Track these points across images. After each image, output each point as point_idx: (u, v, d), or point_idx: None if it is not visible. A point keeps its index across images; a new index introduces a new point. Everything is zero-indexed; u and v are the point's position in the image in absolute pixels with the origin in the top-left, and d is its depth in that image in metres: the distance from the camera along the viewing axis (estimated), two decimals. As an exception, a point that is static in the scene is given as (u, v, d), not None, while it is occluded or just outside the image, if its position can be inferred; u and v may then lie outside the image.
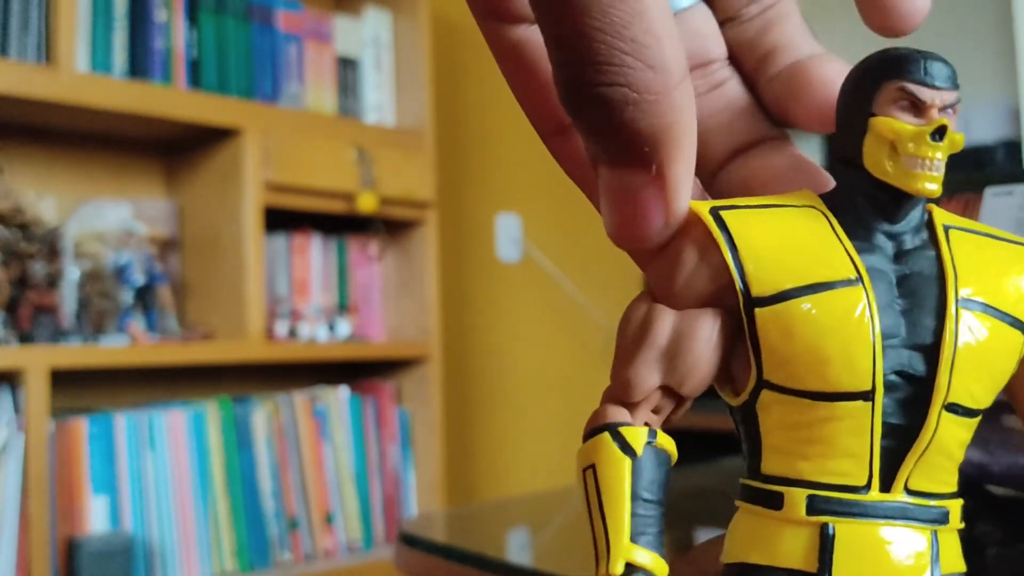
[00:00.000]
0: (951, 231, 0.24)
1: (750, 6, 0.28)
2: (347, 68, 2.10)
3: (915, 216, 0.24)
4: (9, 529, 1.50)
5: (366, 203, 1.96)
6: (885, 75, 0.23)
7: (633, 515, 0.22)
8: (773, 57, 0.27)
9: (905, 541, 0.22)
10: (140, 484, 1.68)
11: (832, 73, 0.26)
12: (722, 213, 0.23)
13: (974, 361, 0.22)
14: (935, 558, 0.22)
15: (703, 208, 0.23)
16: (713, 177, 0.28)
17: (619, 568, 0.22)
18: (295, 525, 1.87)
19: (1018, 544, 0.50)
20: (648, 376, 0.23)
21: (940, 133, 0.22)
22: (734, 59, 0.28)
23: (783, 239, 0.23)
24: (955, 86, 0.23)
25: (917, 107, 0.23)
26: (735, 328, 0.23)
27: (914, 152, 0.22)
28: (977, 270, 0.23)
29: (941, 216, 0.24)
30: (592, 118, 0.22)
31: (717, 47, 0.28)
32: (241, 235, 1.81)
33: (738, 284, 0.22)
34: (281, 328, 1.93)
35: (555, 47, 0.22)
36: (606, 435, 0.23)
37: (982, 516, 0.54)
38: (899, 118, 0.22)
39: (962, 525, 0.24)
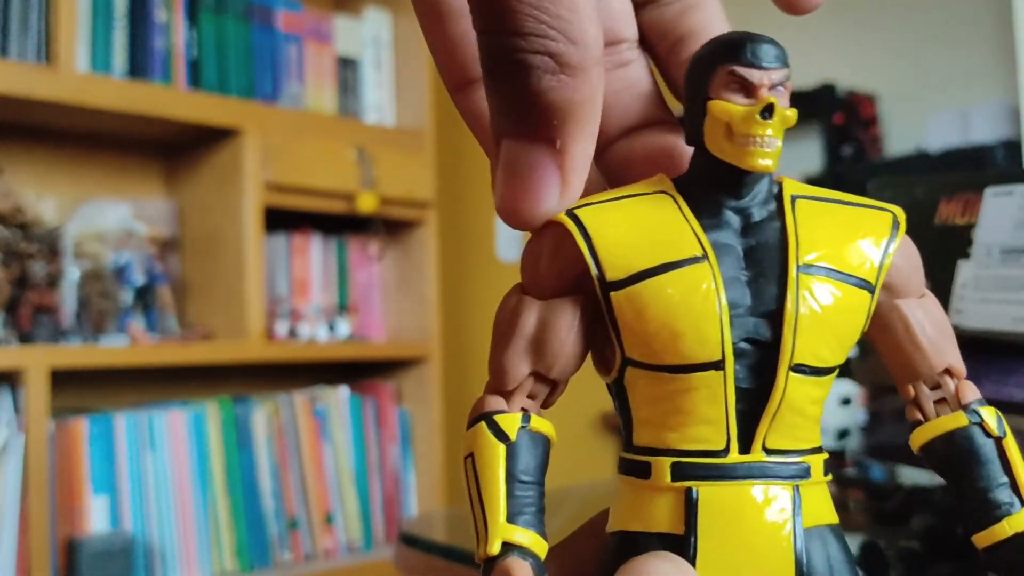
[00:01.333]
0: (798, 201, 0.25)
1: None
2: (347, 68, 2.10)
3: (761, 190, 0.25)
4: (9, 529, 1.50)
5: (366, 203, 1.96)
6: (717, 60, 0.24)
7: (509, 496, 0.23)
8: (687, 42, 0.28)
9: (766, 498, 0.23)
10: (140, 484, 1.68)
11: None
12: (576, 211, 0.24)
13: (817, 323, 0.23)
14: (796, 511, 0.23)
15: (559, 213, 0.24)
16: (601, 152, 0.28)
17: (496, 547, 0.22)
18: (295, 525, 1.86)
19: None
20: (519, 365, 0.24)
21: (769, 111, 0.23)
22: (646, 40, 0.29)
23: (633, 226, 0.24)
24: (783, 64, 0.24)
25: (747, 88, 0.24)
26: (598, 312, 0.24)
27: (746, 131, 0.23)
28: (821, 236, 0.24)
29: (791, 187, 0.25)
30: (508, 85, 0.22)
31: (629, 28, 0.28)
32: (241, 235, 1.81)
33: (593, 271, 0.24)
34: (281, 328, 1.93)
35: (480, 14, 0.22)
36: (482, 424, 0.24)
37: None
38: (731, 100, 0.24)
39: (828, 478, 0.25)
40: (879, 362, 0.27)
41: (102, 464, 1.65)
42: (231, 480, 1.79)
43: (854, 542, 0.62)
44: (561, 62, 0.22)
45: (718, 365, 0.23)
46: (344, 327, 2.03)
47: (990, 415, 0.25)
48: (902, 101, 2.22)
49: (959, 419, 0.25)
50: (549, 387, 0.25)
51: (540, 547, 0.23)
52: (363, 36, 2.12)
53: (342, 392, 2.02)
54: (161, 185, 1.98)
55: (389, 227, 2.12)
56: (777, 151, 0.24)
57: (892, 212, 0.25)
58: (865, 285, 0.24)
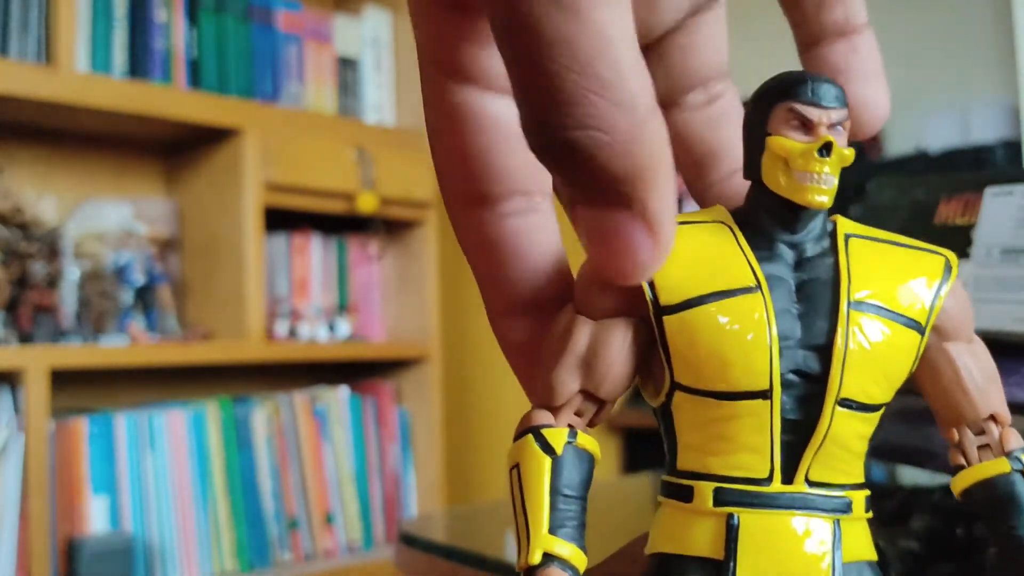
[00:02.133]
0: (851, 239, 0.25)
1: (696, 92, 0.28)
2: (347, 68, 2.10)
3: (815, 226, 0.25)
4: (9, 529, 1.50)
5: (366, 203, 1.96)
6: (777, 98, 0.25)
7: (552, 509, 0.23)
8: (713, 162, 0.28)
9: (806, 529, 0.24)
10: (140, 484, 1.68)
11: None
12: None
13: (866, 359, 0.24)
14: (836, 545, 0.24)
15: None
16: (708, 188, 0.29)
17: (537, 557, 0.23)
18: (295, 525, 1.87)
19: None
20: (568, 381, 0.25)
21: (827, 149, 0.24)
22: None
23: (690, 252, 0.24)
24: (842, 105, 0.24)
25: (806, 126, 0.24)
26: (650, 335, 0.25)
27: (804, 167, 0.24)
28: (873, 274, 0.25)
29: (844, 226, 0.26)
30: (564, 163, 0.22)
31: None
32: (241, 235, 1.81)
33: (648, 294, 0.24)
34: (281, 328, 1.93)
35: (521, 88, 0.21)
36: (529, 436, 0.24)
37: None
38: (790, 136, 0.24)
39: (869, 515, 0.25)
40: None
41: (102, 464, 1.65)
42: (231, 480, 1.79)
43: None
44: (608, 131, 0.21)
45: (766, 394, 0.24)
46: (344, 327, 2.03)
47: None
48: (902, 101, 2.23)
49: (1002, 465, 0.25)
50: (596, 406, 0.25)
51: (580, 560, 0.23)
52: (363, 36, 2.12)
53: (342, 392, 2.02)
54: (161, 185, 1.98)
55: (389, 227, 2.12)
56: (833, 189, 0.24)
57: (945, 256, 0.26)
58: (915, 326, 0.25)
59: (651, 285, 0.24)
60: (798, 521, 0.24)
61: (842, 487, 0.24)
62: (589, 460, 0.24)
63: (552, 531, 0.23)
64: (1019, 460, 0.25)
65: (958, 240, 0.54)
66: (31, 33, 1.62)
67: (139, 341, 1.71)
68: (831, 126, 0.24)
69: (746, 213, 0.26)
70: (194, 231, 1.93)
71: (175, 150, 1.95)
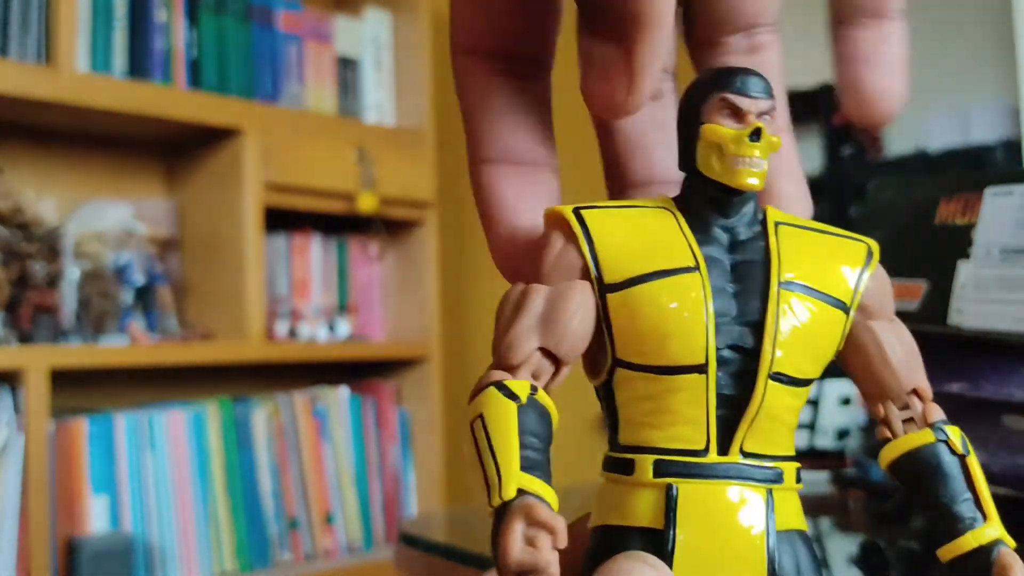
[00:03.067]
0: (781, 226, 0.27)
1: (739, 36, 0.29)
2: (347, 68, 2.10)
3: (748, 211, 0.27)
4: (9, 529, 1.50)
5: (366, 203, 1.96)
6: (710, 89, 0.26)
7: (523, 447, 0.24)
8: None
9: (741, 498, 0.25)
10: (140, 484, 1.68)
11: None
12: (583, 212, 0.26)
13: (796, 335, 0.25)
14: (769, 514, 0.25)
15: (567, 208, 0.27)
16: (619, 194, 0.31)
17: (512, 491, 0.23)
18: (295, 525, 1.87)
19: (1018, 544, 0.50)
20: (527, 339, 0.26)
21: (757, 134, 0.26)
22: None
23: (633, 234, 0.26)
24: (769, 96, 0.26)
25: (737, 115, 0.26)
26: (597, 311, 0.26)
27: (736, 152, 0.26)
28: (801, 258, 0.26)
29: (774, 214, 0.27)
30: None
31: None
32: (241, 235, 1.81)
33: (593, 272, 0.26)
34: (281, 328, 1.93)
35: None
36: (492, 388, 0.25)
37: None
38: (723, 124, 0.26)
39: (799, 486, 0.26)
40: None
41: (102, 464, 1.65)
42: (231, 480, 1.79)
43: (854, 542, 0.62)
44: None
45: (702, 369, 0.25)
46: (344, 327, 2.03)
47: (955, 434, 0.26)
48: (902, 101, 2.22)
49: (926, 436, 0.26)
50: (553, 368, 0.26)
51: (554, 499, 0.24)
52: (363, 36, 2.12)
53: (342, 392, 2.02)
54: (161, 185, 1.98)
55: (389, 227, 2.12)
56: (764, 172, 0.26)
57: (867, 244, 0.28)
58: (841, 305, 0.26)
59: (596, 264, 0.26)
60: (733, 491, 0.25)
61: (774, 458, 0.26)
62: (549, 418, 0.25)
63: (525, 470, 0.24)
64: (942, 431, 0.26)
65: (958, 240, 0.54)
66: (31, 33, 1.62)
67: (139, 341, 1.71)
68: (760, 115, 0.26)
69: (684, 200, 0.27)
70: (194, 231, 1.93)
71: (175, 150, 1.95)
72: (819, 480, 0.80)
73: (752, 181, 0.26)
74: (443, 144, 2.16)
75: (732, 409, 0.25)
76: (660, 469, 0.25)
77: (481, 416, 0.24)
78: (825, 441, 0.80)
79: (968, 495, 0.25)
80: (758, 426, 0.25)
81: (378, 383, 2.10)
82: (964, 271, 0.52)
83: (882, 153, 2.43)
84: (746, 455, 0.25)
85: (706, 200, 0.27)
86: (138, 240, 1.80)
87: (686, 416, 0.25)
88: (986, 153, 2.09)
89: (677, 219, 0.26)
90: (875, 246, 0.27)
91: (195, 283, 1.92)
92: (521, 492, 0.23)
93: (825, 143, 2.45)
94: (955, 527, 0.25)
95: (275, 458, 1.87)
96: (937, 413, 0.27)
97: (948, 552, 0.25)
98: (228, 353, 1.80)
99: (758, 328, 0.25)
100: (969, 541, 0.25)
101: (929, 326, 0.52)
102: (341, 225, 2.07)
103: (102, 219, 1.76)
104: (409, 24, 2.13)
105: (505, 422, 0.24)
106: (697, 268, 0.25)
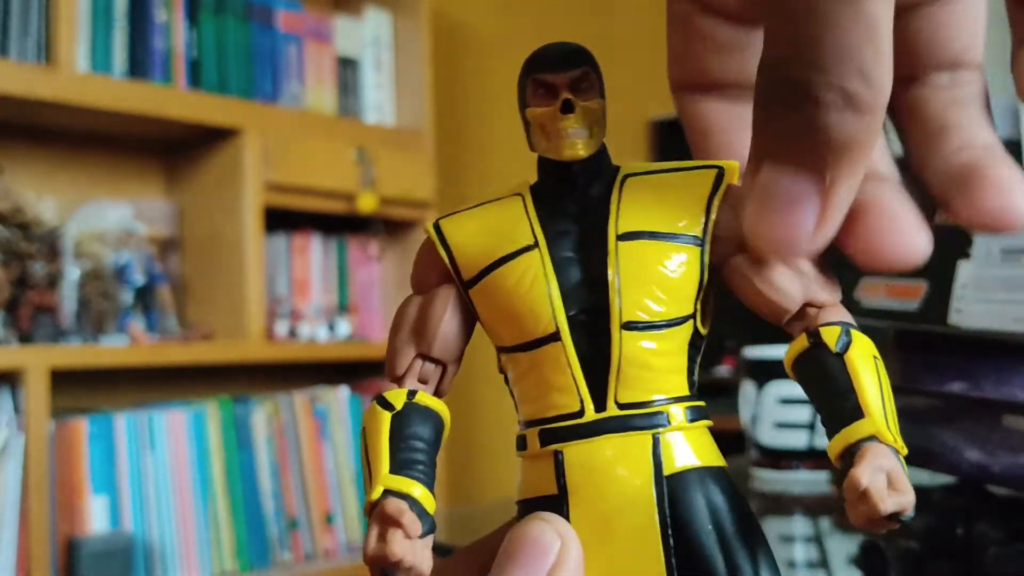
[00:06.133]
0: (628, 179, 0.27)
1: (942, 75, 0.28)
2: (347, 68, 2.10)
3: (595, 177, 0.28)
4: (9, 529, 1.50)
5: (366, 203, 1.96)
6: (525, 74, 0.27)
7: (394, 451, 0.26)
8: (947, 135, 0.28)
9: (622, 449, 0.25)
10: (140, 484, 1.68)
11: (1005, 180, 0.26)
12: (440, 221, 0.28)
13: (638, 282, 0.26)
14: (655, 458, 0.25)
15: (428, 223, 0.29)
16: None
17: (377, 493, 0.25)
18: (295, 525, 1.87)
19: (1018, 544, 0.50)
20: (404, 349, 0.28)
21: (567, 106, 0.26)
22: (899, 116, 0.29)
23: (481, 229, 0.28)
24: (576, 63, 0.26)
25: (551, 92, 0.27)
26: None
27: (553, 128, 0.26)
28: (642, 205, 0.27)
29: (626, 169, 0.28)
30: (791, 115, 0.22)
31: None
32: (241, 235, 1.81)
33: (453, 273, 0.27)
34: (281, 328, 1.93)
35: (776, 43, 0.22)
36: (372, 402, 0.27)
37: (982, 516, 0.54)
38: (539, 105, 0.27)
39: (704, 423, 0.26)
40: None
41: (102, 464, 1.65)
42: (231, 480, 1.79)
43: (854, 542, 0.62)
44: (853, 102, 0.21)
45: (555, 336, 0.26)
46: (344, 327, 2.03)
47: (830, 333, 0.26)
48: (902, 101, 2.23)
49: (802, 342, 0.26)
50: (440, 370, 0.28)
51: (426, 498, 0.26)
52: (363, 36, 2.12)
53: (342, 392, 2.02)
54: (161, 185, 1.98)
55: (389, 227, 2.12)
56: (587, 140, 0.26)
57: (718, 166, 0.27)
58: (691, 240, 0.26)
59: (454, 266, 0.27)
60: (614, 442, 0.26)
61: (654, 403, 0.26)
62: (435, 418, 0.27)
63: (394, 472, 0.25)
64: (816, 334, 0.26)
65: (958, 240, 0.54)
66: (31, 33, 1.62)
67: (139, 341, 1.71)
68: (572, 84, 0.26)
69: (539, 182, 0.28)
70: (194, 231, 1.93)
71: (175, 150, 1.95)
72: (819, 480, 0.80)
73: (574, 152, 0.26)
74: (443, 144, 2.16)
75: (597, 366, 0.26)
76: (546, 437, 0.26)
77: (364, 429, 0.27)
78: (825, 441, 0.80)
79: (850, 394, 0.25)
80: (626, 375, 0.26)
81: (378, 383, 2.10)
82: (964, 271, 0.52)
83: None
84: (623, 406, 0.26)
85: (551, 177, 0.28)
86: (138, 240, 1.80)
87: (556, 384, 0.26)
88: (986, 153, 2.09)
89: (525, 203, 0.28)
90: (729, 166, 0.27)
91: (195, 283, 1.92)
92: (387, 492, 0.25)
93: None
94: (834, 427, 0.25)
95: (275, 458, 1.87)
96: (828, 316, 0.26)
97: (834, 449, 0.25)
98: (228, 353, 1.80)
99: (602, 286, 0.26)
100: (844, 438, 0.25)
101: (929, 326, 0.52)
102: (341, 225, 2.07)
103: (102, 219, 1.76)
104: (409, 24, 2.13)
105: (380, 431, 0.26)
106: (536, 245, 0.26)
